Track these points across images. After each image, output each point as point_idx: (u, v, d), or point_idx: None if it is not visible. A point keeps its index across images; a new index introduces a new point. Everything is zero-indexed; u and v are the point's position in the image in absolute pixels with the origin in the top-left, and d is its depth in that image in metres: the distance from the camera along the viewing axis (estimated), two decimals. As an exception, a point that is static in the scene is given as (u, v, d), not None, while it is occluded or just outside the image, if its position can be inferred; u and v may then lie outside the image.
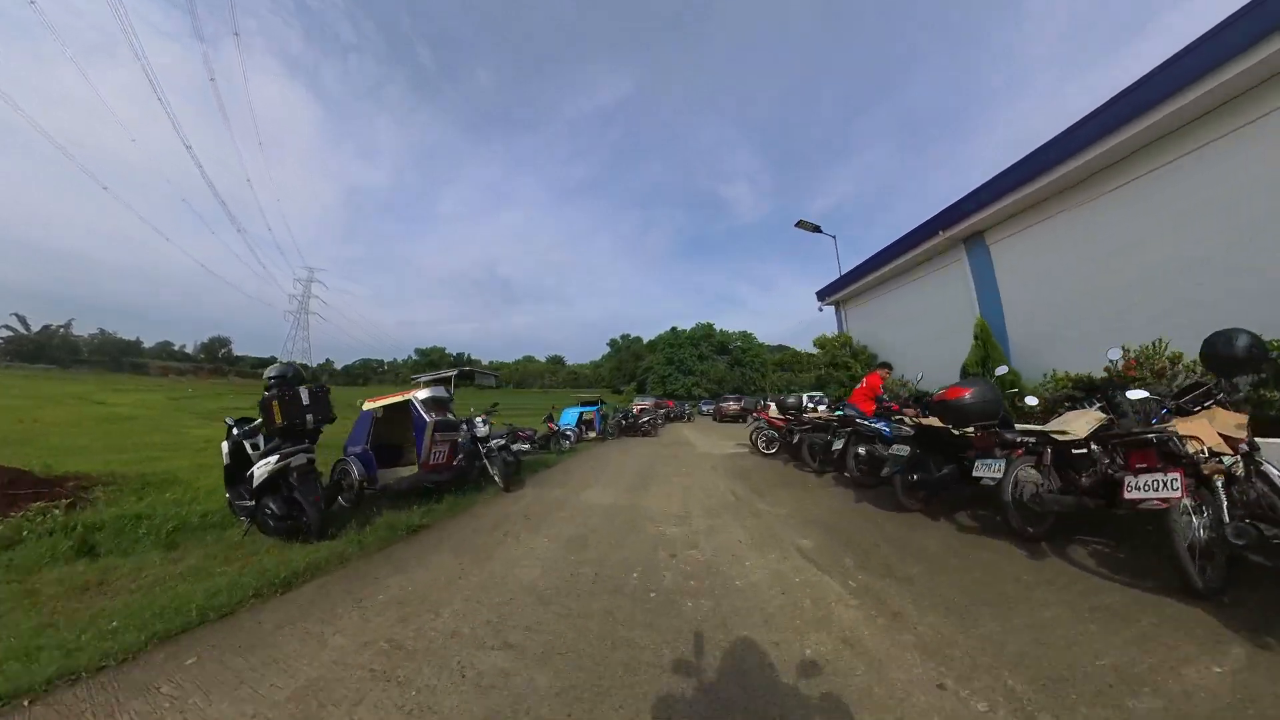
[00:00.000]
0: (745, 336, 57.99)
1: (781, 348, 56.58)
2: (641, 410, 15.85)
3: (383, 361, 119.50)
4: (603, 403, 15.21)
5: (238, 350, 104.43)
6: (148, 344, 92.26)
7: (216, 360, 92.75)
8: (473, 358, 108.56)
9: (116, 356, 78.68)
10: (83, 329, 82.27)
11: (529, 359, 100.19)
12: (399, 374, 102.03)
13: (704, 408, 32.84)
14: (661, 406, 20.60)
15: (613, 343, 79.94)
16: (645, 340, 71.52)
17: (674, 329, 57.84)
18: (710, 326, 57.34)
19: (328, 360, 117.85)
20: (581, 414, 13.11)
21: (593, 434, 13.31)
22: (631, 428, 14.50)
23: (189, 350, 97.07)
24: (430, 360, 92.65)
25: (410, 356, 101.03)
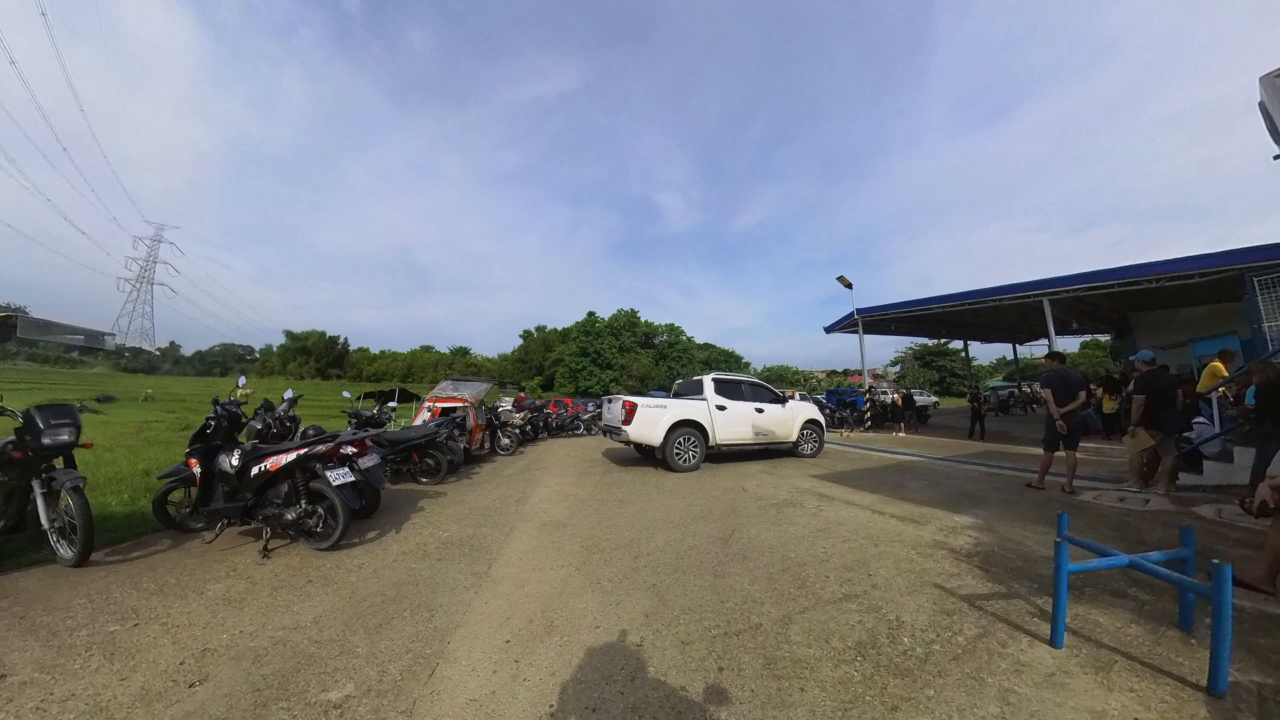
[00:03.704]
0: (673, 329, 54.93)
1: (708, 346, 57.28)
2: (503, 413, 11.17)
3: (251, 348, 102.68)
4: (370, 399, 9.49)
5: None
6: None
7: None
8: (361, 347, 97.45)
9: None
10: None
11: (426, 348, 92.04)
12: (267, 363, 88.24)
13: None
14: (536, 409, 14.20)
15: (525, 334, 75.75)
16: (561, 329, 64.78)
17: (590, 314, 52.45)
18: (634, 314, 52.89)
19: (172, 344, 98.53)
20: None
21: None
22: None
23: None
24: (303, 346, 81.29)
25: (282, 342, 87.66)
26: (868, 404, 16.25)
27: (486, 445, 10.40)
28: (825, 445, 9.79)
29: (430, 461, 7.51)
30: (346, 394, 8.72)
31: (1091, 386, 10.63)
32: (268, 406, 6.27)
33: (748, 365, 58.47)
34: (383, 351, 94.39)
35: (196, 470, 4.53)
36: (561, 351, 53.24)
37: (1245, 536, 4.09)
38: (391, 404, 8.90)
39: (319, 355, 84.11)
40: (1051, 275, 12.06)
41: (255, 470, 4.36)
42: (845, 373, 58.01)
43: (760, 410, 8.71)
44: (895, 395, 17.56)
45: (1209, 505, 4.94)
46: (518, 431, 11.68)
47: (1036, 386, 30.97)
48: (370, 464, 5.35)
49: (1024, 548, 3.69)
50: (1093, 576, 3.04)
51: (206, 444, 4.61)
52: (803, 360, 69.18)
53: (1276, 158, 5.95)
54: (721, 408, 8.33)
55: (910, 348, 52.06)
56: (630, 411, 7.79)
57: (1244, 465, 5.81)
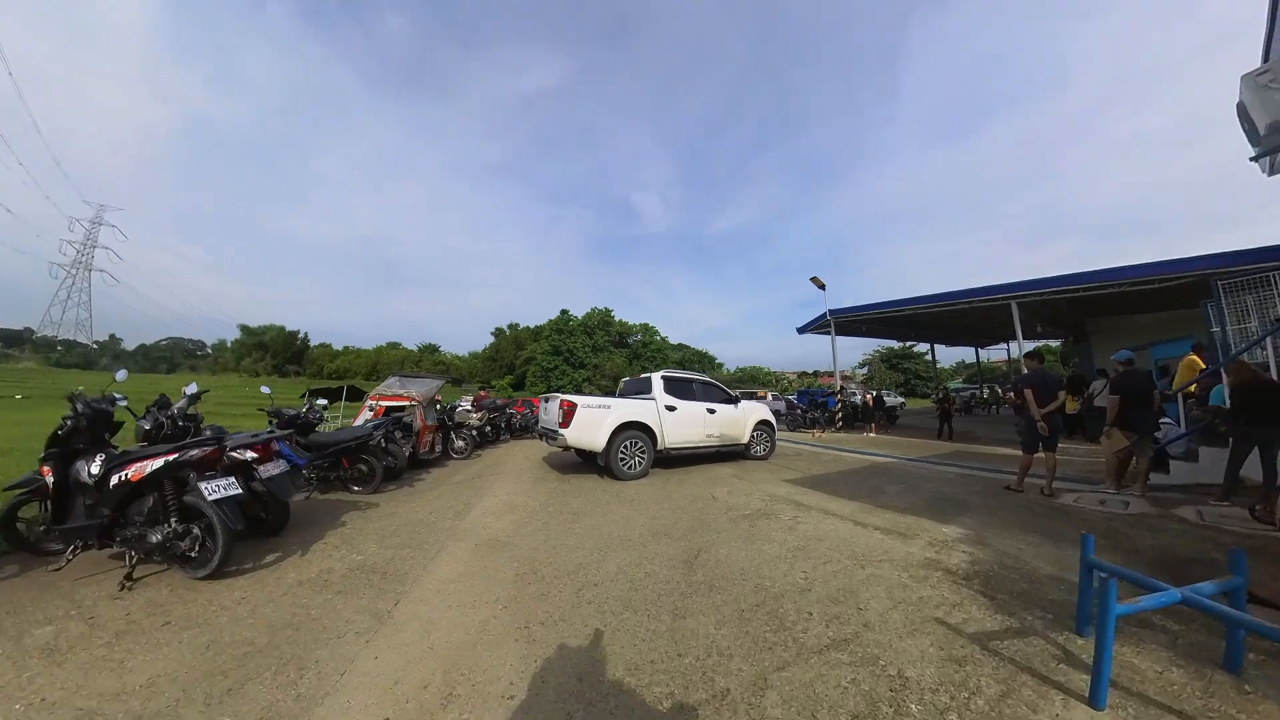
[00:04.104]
0: (647, 329, 54.09)
1: (682, 346, 57.03)
2: (460, 413, 10.46)
3: (203, 343, 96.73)
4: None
5: (-48, 317, 75.55)
6: None
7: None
8: (323, 343, 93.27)
9: None
10: None
11: (393, 345, 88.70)
12: (221, 359, 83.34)
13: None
14: (497, 409, 13.30)
15: (497, 331, 73.62)
16: (534, 327, 62.67)
17: (564, 312, 51.20)
18: (608, 313, 51.87)
19: (112, 337, 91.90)
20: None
21: None
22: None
23: None
24: (260, 342, 77.09)
25: (236, 337, 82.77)
26: (839, 404, 16.17)
27: (438, 448, 9.54)
28: (799, 447, 9.43)
29: (363, 468, 6.67)
30: (266, 389, 7.72)
31: None
32: (162, 403, 5.34)
33: (721, 366, 58.56)
34: (346, 348, 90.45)
35: (50, 479, 3.66)
36: (533, 350, 51.97)
37: (1236, 541, 3.86)
38: (322, 401, 7.92)
39: (277, 351, 79.87)
40: (1020, 279, 12.08)
41: (115, 480, 3.53)
42: (816, 374, 58.85)
43: (712, 411, 8.17)
44: (866, 396, 17.55)
45: (1188, 507, 4.84)
46: (475, 433, 10.84)
47: (1000, 387, 32.06)
48: (274, 472, 4.54)
49: (1024, 564, 3.24)
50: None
51: (64, 448, 3.75)
52: (775, 362, 69.98)
53: (1253, 158, 5.78)
54: (671, 408, 7.70)
55: (877, 350, 53.17)
56: (568, 413, 6.96)
57: (1208, 465, 6.00)
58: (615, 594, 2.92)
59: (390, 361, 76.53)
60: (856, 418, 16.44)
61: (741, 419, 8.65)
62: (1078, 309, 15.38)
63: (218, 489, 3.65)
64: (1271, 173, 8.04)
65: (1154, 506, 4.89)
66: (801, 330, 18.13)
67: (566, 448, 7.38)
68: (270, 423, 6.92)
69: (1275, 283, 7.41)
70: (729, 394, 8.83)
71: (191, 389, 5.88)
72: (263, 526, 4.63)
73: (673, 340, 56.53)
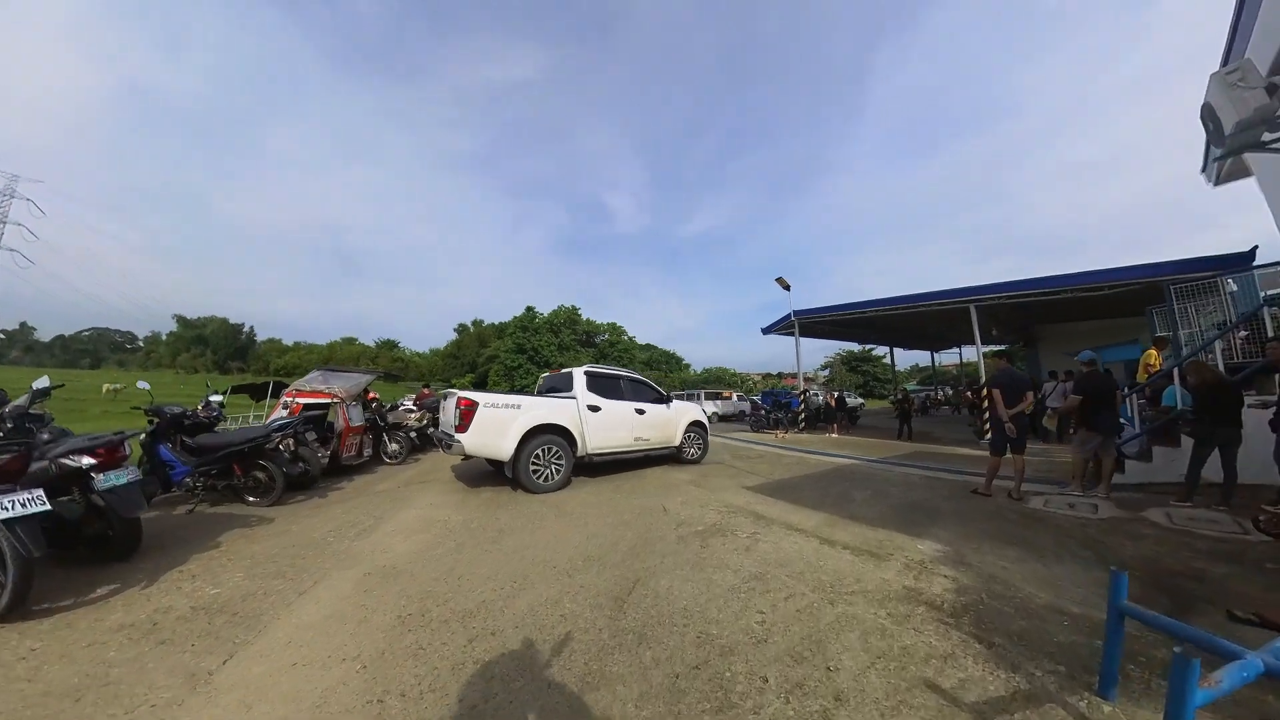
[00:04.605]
0: (614, 329, 53.14)
1: (649, 347, 56.64)
2: (399, 413, 9.53)
3: (133, 335, 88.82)
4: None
5: None
6: None
7: None
8: (271, 337, 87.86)
9: None
10: None
11: (348, 340, 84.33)
12: (154, 353, 76.98)
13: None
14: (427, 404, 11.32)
15: (460, 328, 70.90)
16: (498, 324, 60.74)
17: (529, 309, 49.46)
18: (575, 311, 50.46)
19: (24, 325, 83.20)
20: None
21: None
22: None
23: None
24: (200, 335, 71.76)
25: (173, 329, 76.53)
26: (802, 405, 16.06)
27: (366, 452, 8.52)
28: (762, 449, 8.97)
29: (260, 475, 5.68)
30: (144, 384, 6.56)
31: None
32: (-1, 399, 4.29)
33: (688, 367, 58.55)
34: (297, 343, 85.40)
35: None
36: (497, 348, 50.29)
37: (1216, 548, 3.64)
38: (217, 397, 6.82)
39: (218, 345, 74.42)
40: (980, 283, 12.21)
41: None
42: (780, 375, 59.71)
43: (641, 412, 7.42)
44: (828, 397, 17.51)
45: (1156, 509, 4.74)
46: (413, 435, 9.83)
47: (948, 390, 33.19)
48: (114, 483, 3.62)
49: (1014, 591, 2.76)
50: (1133, 638, 2.10)
51: None
52: (741, 363, 70.65)
53: (1217, 159, 5.70)
54: (595, 408, 6.84)
55: (838, 353, 54.42)
56: (466, 413, 5.84)
57: (1161, 465, 6.08)
58: (514, 648, 2.23)
59: (344, 358, 72.69)
60: (819, 418, 16.44)
61: (674, 420, 8.01)
62: (1028, 315, 15.85)
63: (8, 506, 2.75)
64: (1217, 183, 8.29)
65: (1122, 509, 4.77)
66: (766, 331, 17.91)
67: (466, 455, 6.24)
68: (150, 423, 5.82)
69: (1221, 289, 7.67)
70: (660, 393, 8.17)
71: (41, 383, 4.78)
72: (107, 549, 3.71)
73: (640, 340, 56.08)
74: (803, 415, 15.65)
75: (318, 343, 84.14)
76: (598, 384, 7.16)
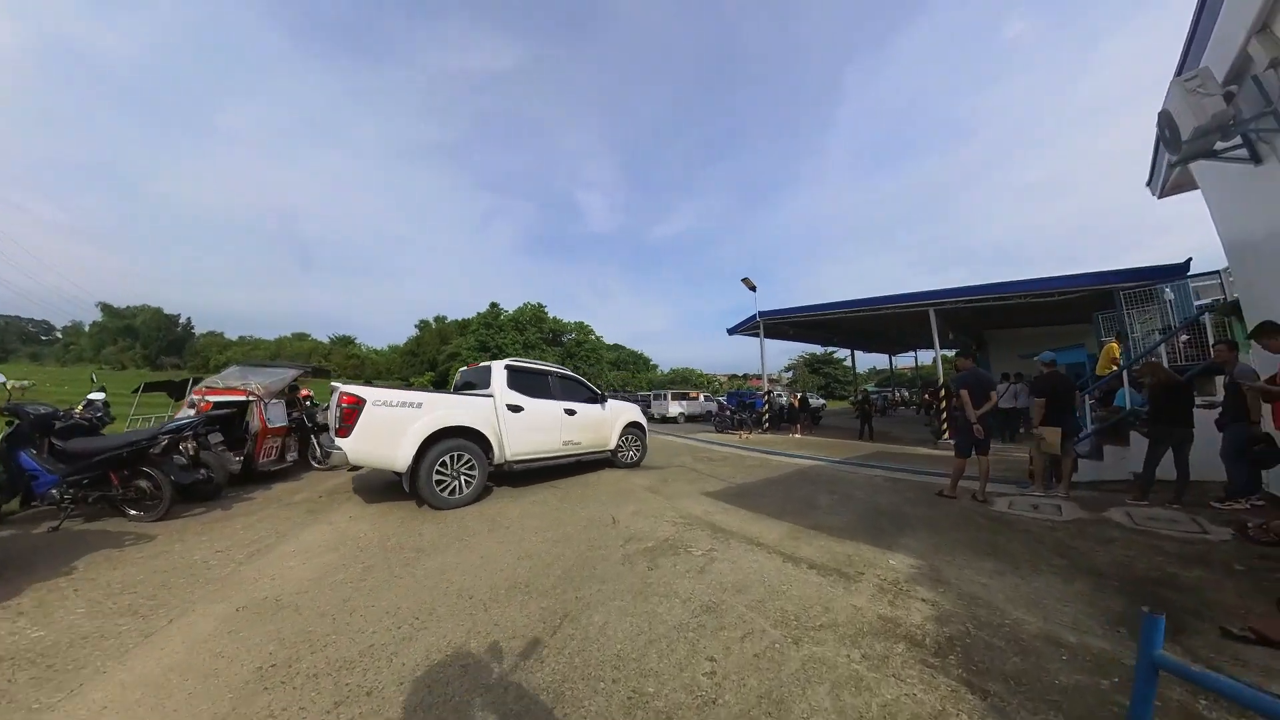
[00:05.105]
0: (582, 328, 51.95)
1: (617, 347, 56.01)
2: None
3: (49, 324, 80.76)
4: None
5: None
6: None
7: None
8: (212, 330, 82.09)
9: None
10: None
11: (300, 336, 79.64)
12: (74, 345, 70.30)
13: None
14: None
15: (422, 324, 68.06)
16: (460, 321, 58.72)
17: (493, 306, 48.37)
18: (542, 309, 49.08)
19: (-87, 314, 74.45)
20: None
21: None
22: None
23: None
24: (128, 326, 66.20)
25: (97, 319, 70.00)
26: (766, 406, 16.04)
27: (290, 456, 7.64)
28: (725, 450, 8.62)
29: (144, 485, 4.84)
30: (6, 379, 5.55)
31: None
32: None
33: (655, 367, 58.37)
34: (242, 338, 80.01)
35: None
36: (459, 345, 48.41)
37: (1183, 550, 3.57)
38: (99, 395, 5.88)
39: (149, 338, 68.67)
40: (939, 288, 12.48)
41: None
42: (745, 377, 60.44)
43: (571, 412, 6.74)
44: (792, 398, 17.57)
45: (1116, 509, 4.73)
46: (348, 436, 8.96)
47: (905, 392, 34.26)
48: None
49: (1000, 616, 2.44)
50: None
51: None
52: (707, 364, 71.04)
53: (1174, 164, 5.79)
54: (516, 408, 6.02)
55: (801, 355, 55.63)
56: (349, 413, 4.85)
57: (1111, 463, 6.28)
58: (391, 716, 1.70)
59: (294, 355, 68.53)
60: (783, 419, 16.51)
61: (609, 421, 7.43)
62: (982, 320, 16.40)
63: None
64: (1161, 195, 8.63)
65: (1084, 510, 4.76)
66: (732, 331, 17.78)
67: (353, 467, 5.32)
68: (9, 424, 4.87)
69: (1158, 297, 8.16)
70: (594, 391, 7.54)
71: None
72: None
73: (608, 340, 55.41)
74: (766, 416, 15.61)
75: (265, 337, 79.15)
76: (521, 380, 6.37)
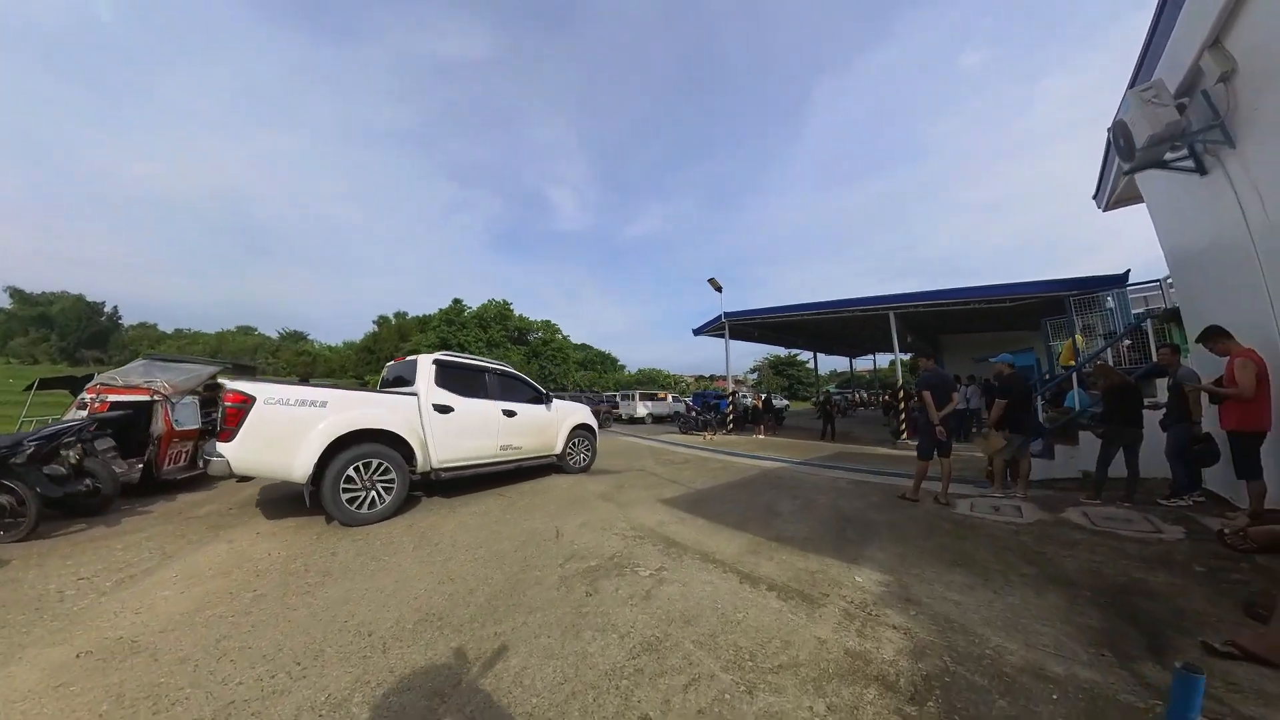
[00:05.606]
0: (548, 326, 50.29)
1: (585, 347, 55.08)
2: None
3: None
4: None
5: None
6: None
7: None
8: (143, 322, 76.01)
9: None
10: None
11: (245, 330, 74.73)
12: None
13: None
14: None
15: (381, 320, 64.90)
16: (421, 317, 55.79)
17: (456, 302, 46.42)
18: (507, 306, 47.17)
19: None
20: None
21: None
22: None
23: None
24: (43, 314, 60.43)
25: (6, 305, 63.27)
26: (731, 407, 16.00)
27: (204, 461, 6.82)
28: (688, 452, 8.33)
29: (3, 500, 4.09)
30: None
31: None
32: None
33: (623, 368, 57.91)
34: (177, 330, 74.29)
35: None
36: (418, 342, 46.27)
37: (1144, 551, 3.56)
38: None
39: (67, 329, 62.62)
40: (899, 292, 12.70)
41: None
42: (711, 378, 60.93)
43: (511, 414, 6.13)
44: (756, 399, 17.59)
45: (1073, 509, 4.78)
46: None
47: (864, 393, 35.25)
48: None
49: (978, 644, 2.20)
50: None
51: None
52: (675, 365, 71.20)
53: (1127, 172, 5.94)
54: (444, 408, 5.36)
55: (766, 357, 56.56)
56: (233, 413, 4.20)
57: (1061, 462, 6.44)
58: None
59: (238, 350, 64.19)
60: (747, 419, 16.50)
61: (554, 423, 6.88)
62: (939, 324, 16.92)
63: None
64: (1107, 207, 8.99)
65: (1043, 510, 4.80)
66: (698, 331, 17.64)
67: (238, 477, 4.70)
68: None
69: (1100, 305, 8.62)
70: (538, 390, 6.95)
71: None
72: None
73: (575, 340, 54.53)
74: (731, 417, 15.55)
75: (205, 331, 73.74)
76: (451, 378, 5.67)
